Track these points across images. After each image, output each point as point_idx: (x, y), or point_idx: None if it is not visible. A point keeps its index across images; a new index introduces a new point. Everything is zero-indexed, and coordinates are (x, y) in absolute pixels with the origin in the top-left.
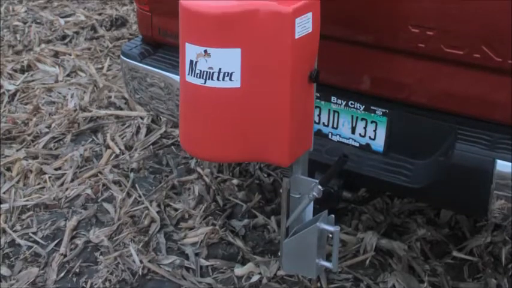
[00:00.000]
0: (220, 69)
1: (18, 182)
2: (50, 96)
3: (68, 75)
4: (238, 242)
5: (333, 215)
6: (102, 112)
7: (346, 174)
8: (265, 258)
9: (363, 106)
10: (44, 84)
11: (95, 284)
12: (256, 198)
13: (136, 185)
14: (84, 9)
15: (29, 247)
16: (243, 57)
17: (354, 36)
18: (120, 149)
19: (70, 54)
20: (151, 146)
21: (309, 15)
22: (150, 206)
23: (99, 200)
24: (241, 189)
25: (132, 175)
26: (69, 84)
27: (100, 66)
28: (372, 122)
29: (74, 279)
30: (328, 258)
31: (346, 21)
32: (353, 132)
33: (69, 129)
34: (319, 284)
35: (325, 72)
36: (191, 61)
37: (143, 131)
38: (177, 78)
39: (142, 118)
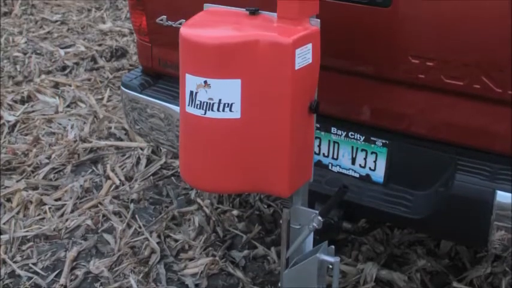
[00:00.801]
0: (220, 100)
1: (18, 212)
2: (50, 127)
3: (68, 106)
4: (238, 273)
5: (333, 246)
6: (102, 143)
7: (346, 205)
8: None
9: (363, 137)
10: (44, 115)
11: None
12: (256, 229)
13: (137, 216)
14: (84, 40)
15: (29, 278)
16: (243, 88)
17: (353, 67)
18: (120, 180)
19: (70, 85)
20: (151, 177)
21: (309, 46)
22: (150, 237)
23: (99, 231)
24: (242, 220)
25: (132, 206)
26: (69, 115)
27: (100, 97)
28: (372, 152)
29: None
30: None
31: (346, 52)
32: (353, 163)
33: (69, 160)
34: None
35: (325, 103)
36: (191, 92)
37: (143, 161)
38: (177, 109)
39: (142, 149)
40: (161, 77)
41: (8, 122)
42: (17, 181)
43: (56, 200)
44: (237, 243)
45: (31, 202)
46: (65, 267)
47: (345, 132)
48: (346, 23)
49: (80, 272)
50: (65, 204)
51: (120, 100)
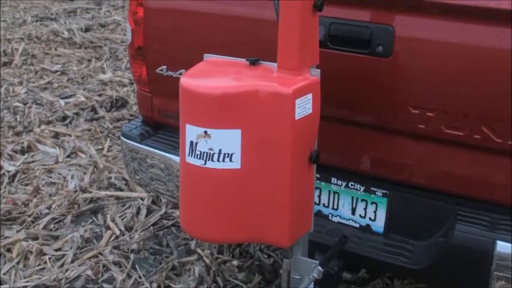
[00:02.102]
0: (220, 150)
1: (18, 263)
2: (50, 177)
3: (68, 156)
4: None
5: None
6: (103, 193)
7: (346, 255)
8: None
9: (363, 187)
10: (44, 165)
11: None
12: (257, 279)
13: (137, 266)
14: (85, 90)
15: None
16: (243, 138)
17: (353, 117)
18: (120, 230)
19: (70, 135)
20: (151, 227)
21: (309, 96)
22: (151, 287)
23: (99, 281)
24: (242, 270)
25: (132, 256)
26: (69, 165)
27: (100, 147)
28: (372, 203)
29: None
30: None
31: (346, 102)
32: (353, 213)
33: (70, 210)
34: None
35: (325, 153)
36: (191, 142)
37: (143, 212)
38: (177, 159)
39: (142, 199)
40: (161, 127)
41: (8, 172)
42: (17, 231)
43: (56, 250)
44: None
45: (31, 252)
46: None
47: (345, 183)
48: (347, 73)
49: None
50: (65, 254)
51: (120, 150)
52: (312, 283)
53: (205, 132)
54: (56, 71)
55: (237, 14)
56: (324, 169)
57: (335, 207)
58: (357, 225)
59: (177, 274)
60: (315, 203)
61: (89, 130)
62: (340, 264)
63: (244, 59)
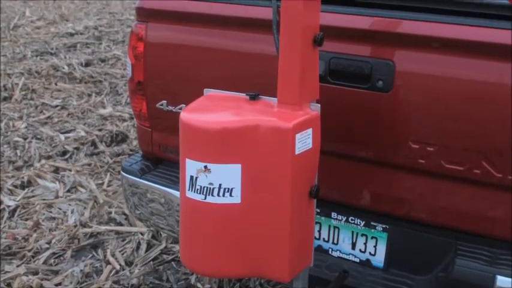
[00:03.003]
0: (220, 184)
1: None
2: (50, 212)
3: (68, 190)
4: None
5: None
6: (103, 228)
7: None
8: None
9: (363, 222)
10: (44, 200)
11: None
12: None
13: None
14: (85, 125)
15: None
16: (243, 173)
17: (354, 151)
18: (120, 265)
19: (70, 170)
20: (151, 262)
21: (309, 131)
22: None
23: None
24: None
25: None
26: (70, 200)
27: (100, 181)
28: (372, 237)
29: None
30: None
31: (347, 137)
32: (353, 248)
33: (70, 245)
34: None
35: (325, 187)
36: (191, 177)
37: (143, 246)
38: (177, 194)
39: (142, 234)
40: (161, 162)
41: (8, 206)
42: (17, 266)
43: (56, 285)
44: None
45: (31, 287)
46: None
47: (345, 217)
48: (347, 108)
49: None
50: None
51: (121, 185)
52: None
53: (206, 166)
54: (56, 106)
55: (237, 48)
56: (324, 204)
57: (335, 241)
58: (357, 260)
59: None
60: (315, 238)
61: (89, 165)
62: None
63: (244, 94)
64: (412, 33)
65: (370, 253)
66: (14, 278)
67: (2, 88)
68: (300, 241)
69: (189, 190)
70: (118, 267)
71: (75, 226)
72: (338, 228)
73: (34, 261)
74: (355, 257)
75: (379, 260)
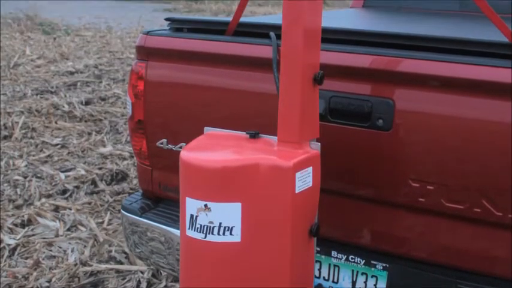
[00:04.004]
0: (220, 223)
1: None
2: (51, 250)
3: (69, 229)
4: None
5: None
6: (103, 266)
7: None
8: None
9: (363, 260)
10: (44, 238)
11: None
12: None
13: None
14: (85, 163)
15: None
16: (243, 212)
17: (354, 190)
18: None
19: (70, 209)
20: None
21: (309, 169)
22: None
23: None
24: None
25: None
26: (70, 239)
27: (100, 220)
28: (372, 276)
29: None
30: None
31: (347, 175)
32: (353, 286)
33: (70, 284)
34: None
35: (325, 226)
36: (191, 215)
37: (144, 285)
38: (177, 232)
39: (142, 272)
40: (161, 201)
41: (9, 245)
42: None
43: None
44: None
45: None
46: None
47: (345, 256)
48: (347, 147)
49: None
50: None
51: (121, 223)
52: None
53: (206, 205)
54: (56, 145)
55: (237, 87)
56: (324, 242)
57: (335, 280)
58: None
59: None
60: (315, 277)
61: (89, 203)
62: None
63: (244, 133)
64: (412, 71)
65: None
66: None
67: (2, 127)
68: (300, 280)
69: (189, 229)
70: None
71: (76, 265)
72: (338, 266)
73: None
74: None
75: None
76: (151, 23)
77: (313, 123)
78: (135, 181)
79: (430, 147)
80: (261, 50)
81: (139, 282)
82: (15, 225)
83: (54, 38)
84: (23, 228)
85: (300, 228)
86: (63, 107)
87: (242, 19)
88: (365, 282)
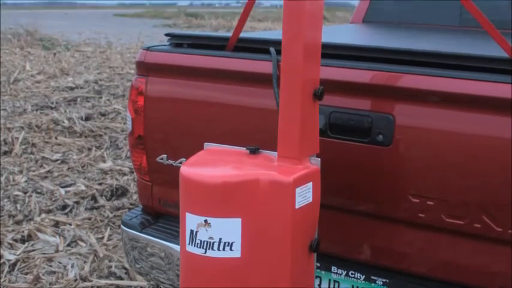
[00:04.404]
0: (220, 239)
1: None
2: (51, 266)
3: (69, 245)
4: None
5: None
6: (103, 282)
7: None
8: None
9: (364, 276)
10: (44, 254)
11: None
12: None
13: None
14: (85, 179)
15: None
16: (243, 227)
17: (354, 205)
18: None
19: (70, 224)
20: None
21: (309, 185)
22: None
23: None
24: None
25: None
26: (70, 254)
27: (100, 236)
28: None
29: None
30: None
31: (347, 191)
32: None
33: None
34: None
35: (325, 241)
36: (191, 231)
37: None
38: (177, 248)
39: None
40: (161, 216)
41: (9, 261)
42: None
43: None
44: None
45: None
46: None
47: (345, 271)
48: (347, 162)
49: None
50: None
51: (121, 239)
52: None
53: (206, 221)
54: (56, 160)
55: (237, 103)
56: (324, 258)
57: None
58: None
59: None
60: None
61: (89, 219)
62: None
63: (245, 148)
64: (412, 87)
65: None
66: None
67: (2, 142)
68: None
69: (189, 244)
70: None
71: (76, 280)
72: (338, 282)
73: None
74: None
75: None
76: (151, 39)
77: (313, 138)
78: (135, 196)
79: (430, 162)
80: (261, 65)
81: None
82: (15, 240)
83: (54, 54)
84: (23, 243)
85: (300, 243)
86: (63, 122)
87: (242, 34)
88: None
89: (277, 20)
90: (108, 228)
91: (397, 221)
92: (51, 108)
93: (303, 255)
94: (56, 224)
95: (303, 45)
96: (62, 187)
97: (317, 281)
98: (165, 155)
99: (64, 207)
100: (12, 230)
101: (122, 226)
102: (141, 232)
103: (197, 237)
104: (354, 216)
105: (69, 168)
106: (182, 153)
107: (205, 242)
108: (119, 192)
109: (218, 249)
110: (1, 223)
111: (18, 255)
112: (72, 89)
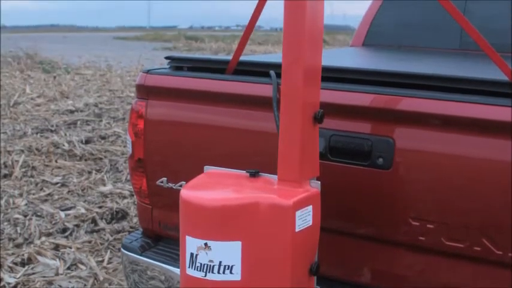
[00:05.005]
0: (220, 262)
1: None
2: None
3: (69, 268)
4: None
5: None
6: None
7: None
8: None
9: None
10: (44, 277)
11: None
12: None
13: None
14: (85, 202)
15: None
16: (243, 250)
17: (354, 228)
18: None
19: (70, 247)
20: None
21: (310, 208)
22: None
23: None
24: None
25: None
26: (70, 277)
27: (100, 259)
28: None
29: None
30: None
31: (347, 214)
32: None
33: None
34: None
35: (325, 264)
36: (192, 254)
37: None
38: (177, 271)
39: None
40: (161, 239)
41: (9, 284)
42: None
43: None
44: None
45: None
46: None
47: None
48: (347, 185)
49: None
50: None
51: (121, 262)
52: None
53: (206, 244)
54: (56, 183)
55: (238, 126)
56: (324, 281)
57: None
58: None
59: None
60: None
61: (89, 242)
62: None
63: (245, 171)
64: (412, 110)
65: None
66: None
67: (2, 165)
68: None
69: (189, 267)
70: None
71: None
72: None
73: None
74: None
75: None
76: (151, 62)
77: (313, 161)
78: (135, 219)
79: (430, 185)
80: (261, 88)
81: None
82: (15, 263)
83: (54, 77)
84: (23, 266)
85: (300, 266)
86: (63, 145)
87: (242, 58)
88: None
89: (277, 43)
90: (108, 251)
91: (397, 244)
92: (51, 131)
93: (303, 278)
94: (56, 247)
95: (303, 68)
96: (62, 210)
97: None
98: (165, 178)
99: (64, 230)
100: (12, 253)
101: (122, 249)
102: (141, 255)
103: (197, 261)
104: (354, 239)
105: (69, 191)
106: (182, 176)
107: (206, 265)
108: (119, 215)
109: (218, 272)
110: (1, 246)
111: (18, 278)
112: (72, 112)
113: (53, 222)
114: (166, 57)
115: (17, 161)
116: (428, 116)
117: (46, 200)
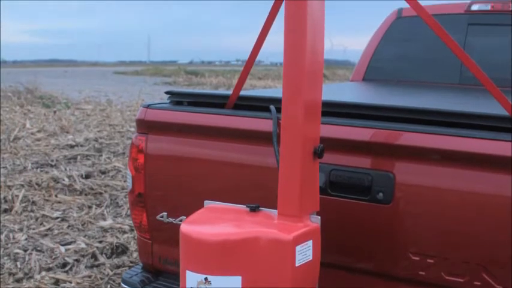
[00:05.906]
0: None
1: None
2: None
3: None
4: None
5: None
6: None
7: None
8: None
9: None
10: None
11: None
12: None
13: None
14: (85, 236)
15: None
16: (243, 285)
17: (354, 263)
18: None
19: (71, 282)
20: None
21: (310, 242)
22: None
23: None
24: None
25: None
26: None
27: None
28: None
29: None
30: None
31: (347, 249)
32: None
33: None
34: None
35: None
36: None
37: None
38: None
39: None
40: (162, 274)
41: None
42: None
43: None
44: None
45: None
46: None
47: None
48: (347, 220)
49: None
50: None
51: None
52: None
53: (206, 278)
54: (57, 218)
55: (238, 160)
56: None
57: None
58: None
59: None
60: None
61: (90, 277)
62: None
63: (245, 206)
64: (412, 145)
65: None
66: None
67: (2, 200)
68: None
69: None
70: None
71: None
72: None
73: None
74: None
75: None
76: (151, 96)
77: (313, 196)
78: (135, 254)
79: (430, 220)
80: (261, 123)
81: None
82: None
83: (54, 112)
84: None
85: None
86: (63, 180)
87: (242, 92)
88: None
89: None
90: (109, 286)
91: (398, 279)
92: (52, 166)
93: None
94: (56, 282)
95: (303, 103)
96: (62, 245)
97: None
98: (165, 213)
99: (64, 265)
100: None
101: (122, 284)
102: None
103: None
104: (354, 274)
105: (69, 226)
106: (182, 211)
107: None
108: (119, 250)
109: None
110: (1, 281)
111: None
112: (72, 147)
113: (53, 257)
114: (167, 92)
115: (17, 196)
116: (429, 150)
117: (46, 235)
